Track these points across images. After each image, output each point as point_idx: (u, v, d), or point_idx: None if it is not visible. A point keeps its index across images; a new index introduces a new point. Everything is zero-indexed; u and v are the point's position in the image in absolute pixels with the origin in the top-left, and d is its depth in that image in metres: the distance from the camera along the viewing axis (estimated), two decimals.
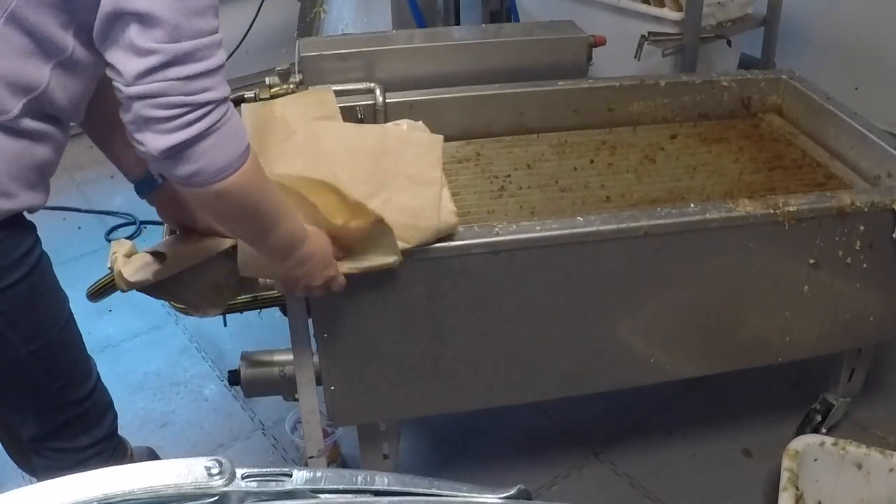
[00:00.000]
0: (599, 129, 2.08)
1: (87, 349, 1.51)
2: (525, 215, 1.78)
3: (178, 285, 1.39)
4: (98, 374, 1.53)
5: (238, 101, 1.96)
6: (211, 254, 1.38)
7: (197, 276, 1.39)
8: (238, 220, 1.24)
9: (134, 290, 1.36)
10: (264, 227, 1.24)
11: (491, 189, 1.86)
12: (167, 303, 1.77)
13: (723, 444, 2.10)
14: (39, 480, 1.54)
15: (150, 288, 1.38)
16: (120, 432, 1.64)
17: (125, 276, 1.34)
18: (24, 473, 1.88)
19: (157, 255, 1.35)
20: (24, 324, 1.31)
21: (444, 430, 2.16)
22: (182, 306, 1.53)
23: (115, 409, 1.59)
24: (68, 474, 1.54)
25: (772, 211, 1.58)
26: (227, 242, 1.38)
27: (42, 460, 1.52)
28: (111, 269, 1.36)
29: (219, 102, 1.08)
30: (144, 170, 1.41)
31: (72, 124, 1.30)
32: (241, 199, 1.16)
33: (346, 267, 1.38)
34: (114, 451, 1.58)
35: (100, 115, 1.36)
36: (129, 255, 1.36)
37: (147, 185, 1.44)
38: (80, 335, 1.46)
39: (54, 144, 1.25)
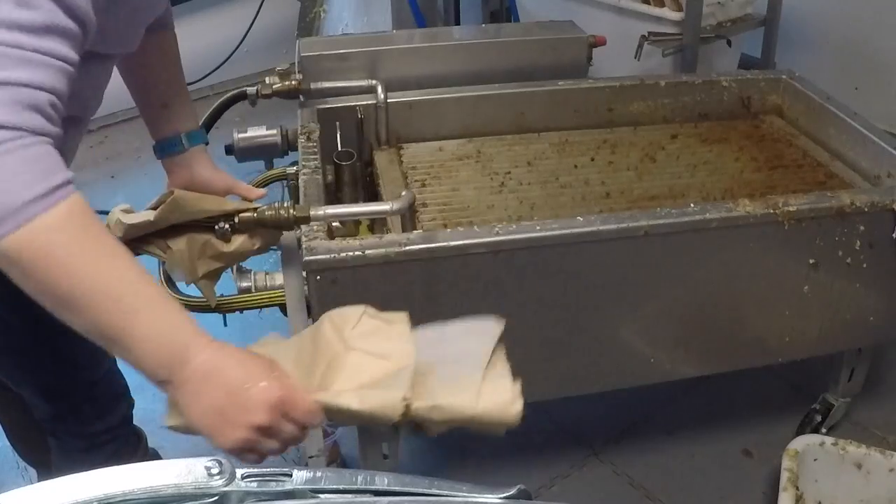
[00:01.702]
0: (600, 129, 2.08)
1: None
2: (525, 210, 1.78)
3: (165, 240, 1.37)
4: (113, 360, 1.50)
5: (239, 97, 1.96)
6: (206, 213, 1.36)
7: (183, 234, 1.38)
8: (37, 294, 0.89)
9: None
10: (82, 317, 0.89)
11: (491, 185, 1.86)
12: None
13: (723, 444, 2.10)
14: (54, 463, 1.56)
15: (140, 241, 1.36)
16: None
17: (123, 221, 1.27)
18: (24, 473, 1.88)
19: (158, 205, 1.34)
20: (25, 309, 1.30)
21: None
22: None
23: (132, 397, 1.58)
24: (82, 457, 1.54)
25: (772, 211, 1.58)
26: (228, 205, 1.37)
27: (56, 441, 1.53)
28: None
29: None
30: (168, 132, 1.42)
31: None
32: (22, 271, 0.86)
33: (325, 396, 0.95)
34: (128, 437, 1.58)
35: (135, 68, 1.37)
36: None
37: (167, 148, 1.44)
38: None
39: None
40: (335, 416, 0.95)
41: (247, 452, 0.91)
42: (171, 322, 0.91)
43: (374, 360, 0.97)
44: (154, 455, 1.84)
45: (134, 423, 1.62)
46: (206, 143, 1.48)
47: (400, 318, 1.03)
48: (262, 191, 1.43)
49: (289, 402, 0.91)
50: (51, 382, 1.42)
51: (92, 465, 1.63)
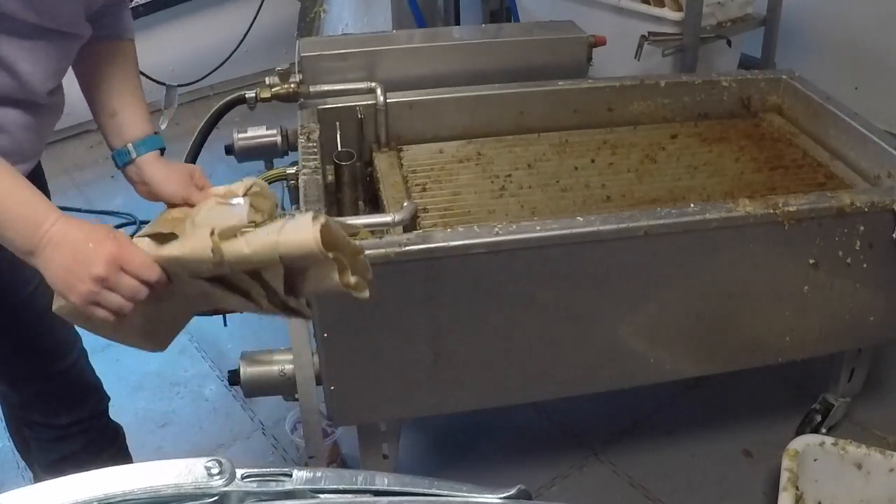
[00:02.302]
0: (600, 129, 2.09)
1: (83, 342, 1.52)
2: (526, 215, 1.78)
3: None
4: (81, 355, 1.52)
5: (238, 101, 1.96)
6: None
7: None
8: None
9: None
10: None
11: (492, 189, 1.86)
12: None
13: (723, 444, 2.10)
14: (29, 451, 1.56)
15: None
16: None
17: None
18: (24, 473, 1.89)
19: (155, 236, 1.33)
20: None
21: (444, 430, 2.16)
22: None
23: (106, 393, 1.59)
24: (51, 447, 1.55)
25: (772, 211, 1.58)
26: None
27: (30, 431, 1.56)
28: None
29: None
30: (117, 143, 1.37)
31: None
32: None
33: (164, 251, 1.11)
34: (102, 432, 1.59)
35: (87, 77, 1.34)
36: None
37: (117, 160, 1.39)
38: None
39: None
40: (168, 268, 1.09)
41: (94, 306, 1.04)
42: (29, 204, 1.06)
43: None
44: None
45: (111, 419, 1.63)
46: (163, 150, 1.39)
47: (240, 198, 1.21)
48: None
49: (125, 257, 1.05)
50: (11, 369, 1.43)
51: (62, 455, 1.65)
